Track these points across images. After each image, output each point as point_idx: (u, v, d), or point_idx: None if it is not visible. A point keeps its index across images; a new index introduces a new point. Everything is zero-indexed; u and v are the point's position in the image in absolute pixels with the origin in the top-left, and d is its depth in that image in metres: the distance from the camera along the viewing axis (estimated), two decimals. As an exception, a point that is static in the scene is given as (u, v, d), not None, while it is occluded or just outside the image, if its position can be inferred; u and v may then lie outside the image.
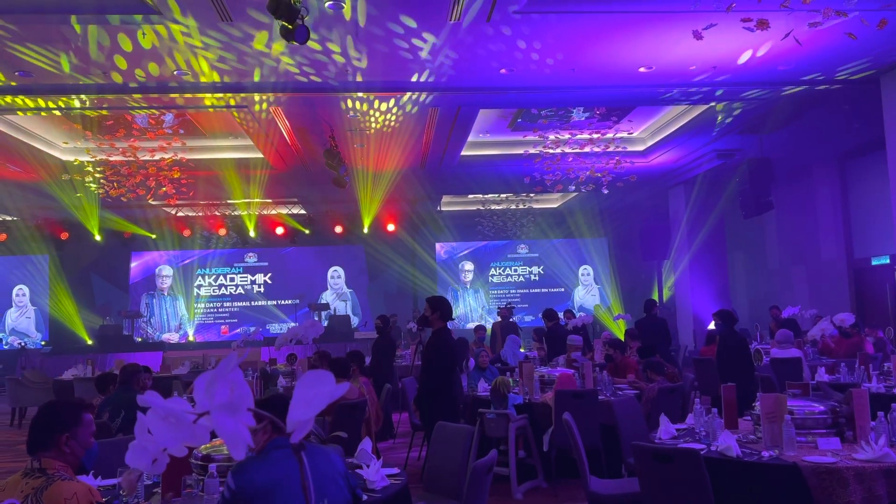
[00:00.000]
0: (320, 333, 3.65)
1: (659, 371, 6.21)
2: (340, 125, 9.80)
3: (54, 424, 2.45)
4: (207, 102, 8.75)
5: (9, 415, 11.41)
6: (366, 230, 15.73)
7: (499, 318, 12.11)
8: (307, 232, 16.88)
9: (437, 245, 18.33)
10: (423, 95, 8.62)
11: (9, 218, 15.68)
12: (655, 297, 16.01)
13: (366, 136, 10.47)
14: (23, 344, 16.94)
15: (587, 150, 10.98)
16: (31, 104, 8.67)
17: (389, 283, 17.77)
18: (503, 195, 15.48)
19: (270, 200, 15.37)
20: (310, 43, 6.49)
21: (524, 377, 6.46)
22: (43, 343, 16.97)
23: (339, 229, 16.68)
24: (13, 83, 7.89)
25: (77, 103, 8.71)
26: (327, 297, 17.78)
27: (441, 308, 5.40)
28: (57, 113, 9.31)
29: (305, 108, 9.10)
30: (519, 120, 10.66)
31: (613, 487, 4.28)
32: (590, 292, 18.53)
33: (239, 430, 0.96)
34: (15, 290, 17.42)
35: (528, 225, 17.14)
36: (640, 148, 12.09)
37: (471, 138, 11.07)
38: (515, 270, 18.72)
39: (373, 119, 9.65)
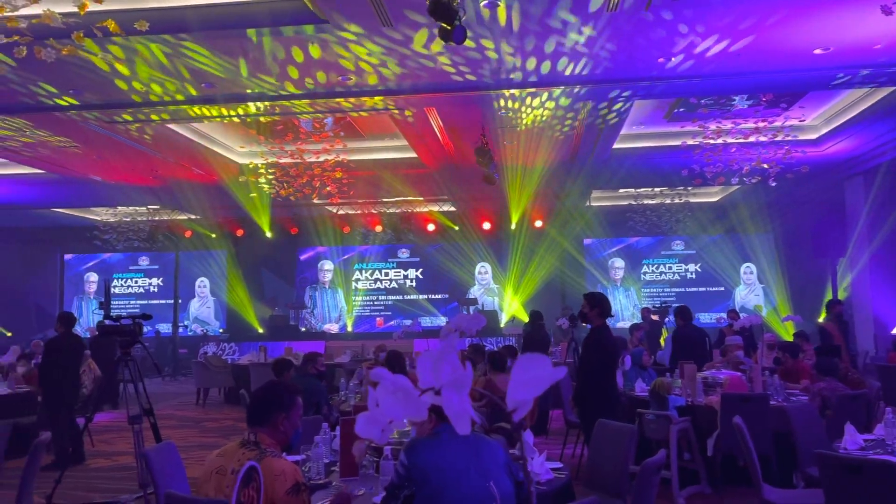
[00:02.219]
0: (482, 325, 3.73)
1: (830, 372, 5.70)
2: (492, 123, 9.91)
3: (274, 403, 2.68)
4: (368, 104, 9.19)
5: (194, 395, 12.68)
6: (513, 226, 15.79)
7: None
8: (456, 228, 17.25)
9: (586, 241, 18.02)
10: (577, 88, 8.51)
11: (193, 217, 17.38)
12: (829, 297, 14.71)
13: (516, 133, 10.52)
14: (205, 331, 18.76)
15: (752, 139, 10.31)
16: (213, 113, 9.55)
17: (536, 279, 17.71)
18: (657, 189, 14.91)
19: (422, 198, 15.85)
20: (465, 42, 6.62)
21: (686, 378, 6.21)
22: (221, 331, 18.66)
23: (487, 225, 16.88)
24: (198, 94, 8.72)
25: (253, 110, 9.49)
26: (475, 291, 18.05)
27: (600, 304, 5.32)
28: (235, 120, 10.19)
29: (458, 107, 9.29)
30: (676, 110, 10.23)
31: (791, 498, 4.01)
32: (753, 292, 17.39)
33: (465, 407, 1.02)
34: (197, 282, 19.30)
35: (685, 220, 16.35)
36: (813, 136, 11.16)
37: (624, 131, 10.77)
38: (670, 268, 17.97)
39: (524, 115, 9.67)
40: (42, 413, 7.59)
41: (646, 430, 5.65)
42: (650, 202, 15.77)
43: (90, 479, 6.77)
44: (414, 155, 11.88)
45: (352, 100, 8.83)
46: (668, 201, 15.61)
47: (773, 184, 11.06)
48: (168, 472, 3.62)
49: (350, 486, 3.19)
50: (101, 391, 8.32)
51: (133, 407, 5.64)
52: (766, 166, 10.57)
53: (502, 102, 9.02)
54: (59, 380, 7.23)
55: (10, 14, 5.19)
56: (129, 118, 9.46)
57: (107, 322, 5.66)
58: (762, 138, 10.24)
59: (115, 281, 19.44)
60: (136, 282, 19.58)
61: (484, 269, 18.30)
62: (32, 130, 9.91)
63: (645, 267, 18.02)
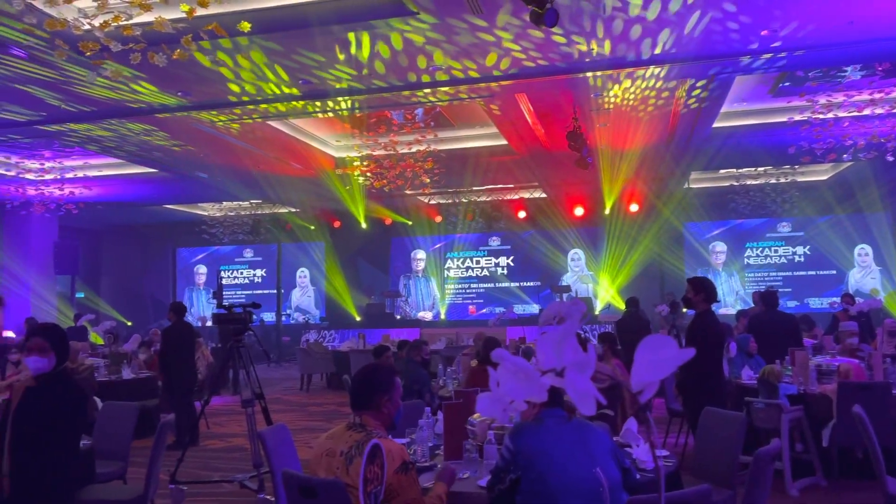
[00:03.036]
0: (584, 311, 3.67)
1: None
2: (584, 106, 9.73)
3: (375, 386, 2.77)
4: (459, 94, 9.23)
5: (298, 380, 13.23)
6: (607, 211, 15.47)
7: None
8: (548, 215, 17.09)
9: (685, 225, 17.40)
10: (674, 66, 8.21)
11: (293, 210, 18.07)
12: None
13: (610, 115, 10.28)
14: (306, 319, 19.51)
15: (867, 112, 9.64)
16: (310, 109, 9.86)
17: (633, 265, 17.29)
18: (761, 168, 14.19)
19: (513, 185, 15.78)
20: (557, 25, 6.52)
21: (797, 366, 5.91)
22: (321, 319, 19.33)
23: (579, 211, 16.62)
24: (297, 91, 9.03)
25: (346, 104, 9.73)
26: (568, 279, 17.83)
27: (706, 289, 5.14)
28: (330, 115, 10.49)
29: (549, 92, 9.18)
30: (782, 84, 9.69)
31: (919, 493, 3.75)
32: (868, 274, 16.29)
33: (589, 387, 1.03)
34: (298, 273, 20.07)
35: (792, 200, 15.48)
36: (937, 105, 10.30)
37: (725, 108, 10.31)
38: (776, 251, 17.09)
39: (618, 97, 9.44)
40: (163, 396, 8.13)
41: (754, 419, 5.43)
42: (753, 182, 15.03)
43: (207, 459, 7.20)
44: (504, 142, 11.84)
45: (442, 90, 8.88)
46: (773, 181, 14.83)
47: (892, 158, 10.30)
48: (282, 453, 3.80)
49: (459, 466, 3.25)
50: (214, 376, 8.81)
51: (245, 391, 5.95)
52: (882, 140, 9.86)
53: (598, 83, 8.83)
54: (177, 366, 7.73)
55: (125, 23, 5.56)
56: (233, 117, 9.92)
57: (220, 311, 6.00)
58: (878, 110, 9.56)
59: (223, 272, 20.50)
60: (242, 273, 20.57)
61: (577, 256, 18.04)
62: (149, 132, 10.57)
63: (749, 250, 17.22)
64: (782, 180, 14.72)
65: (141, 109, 9.36)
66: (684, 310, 5.38)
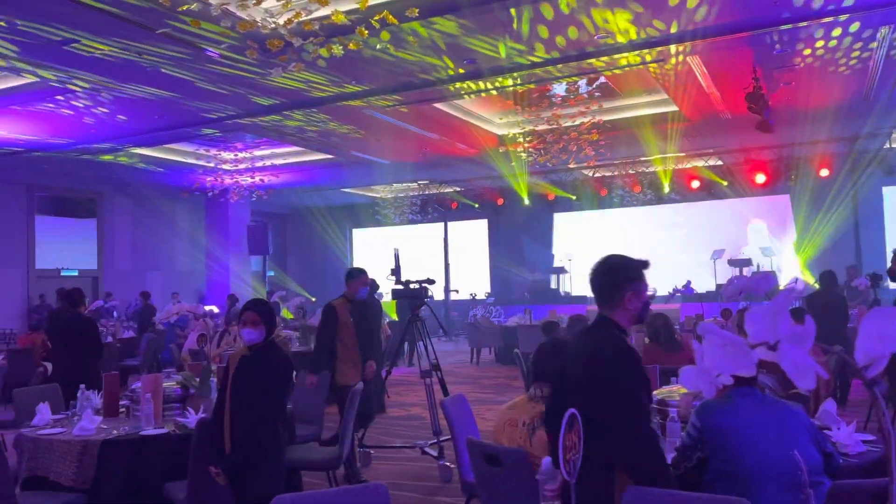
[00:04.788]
0: (773, 286, 3.44)
1: None
2: (766, 64, 8.99)
3: (558, 361, 2.82)
4: (623, 63, 8.91)
5: (468, 354, 13.62)
6: (793, 177, 14.23)
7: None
8: (724, 184, 16.04)
9: (885, 189, 15.56)
10: (876, 11, 7.33)
11: (458, 189, 18.51)
12: None
13: (795, 73, 9.41)
14: (472, 295, 19.96)
15: None
16: (474, 87, 10.00)
17: (822, 234, 15.79)
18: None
19: (684, 154, 14.99)
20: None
21: None
22: (487, 294, 19.69)
23: (760, 178, 15.41)
24: (462, 70, 9.18)
25: (510, 81, 9.75)
26: (748, 251, 16.66)
27: (917, 259, 4.60)
28: (494, 93, 10.56)
29: (726, 52, 8.58)
30: None
31: None
32: None
33: (808, 361, 0.98)
34: (464, 251, 20.54)
35: None
36: None
37: (938, 55, 9.04)
38: None
39: (806, 51, 8.60)
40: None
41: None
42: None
43: (389, 426, 7.67)
44: (675, 108, 11.27)
45: (606, 58, 8.62)
46: None
47: None
48: (462, 421, 3.96)
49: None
50: (392, 349, 9.30)
51: (424, 363, 6.24)
52: None
53: (777, 37, 8.12)
54: (367, 337, 8.24)
55: (305, 18, 5.96)
56: (402, 100, 10.31)
57: (398, 287, 6.32)
58: None
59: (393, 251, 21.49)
60: (411, 251, 21.44)
61: (758, 227, 16.79)
62: (326, 120, 11.31)
63: (969, 215, 15.08)
64: None
65: (321, 99, 9.99)
66: (889, 283, 4.84)
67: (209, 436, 3.44)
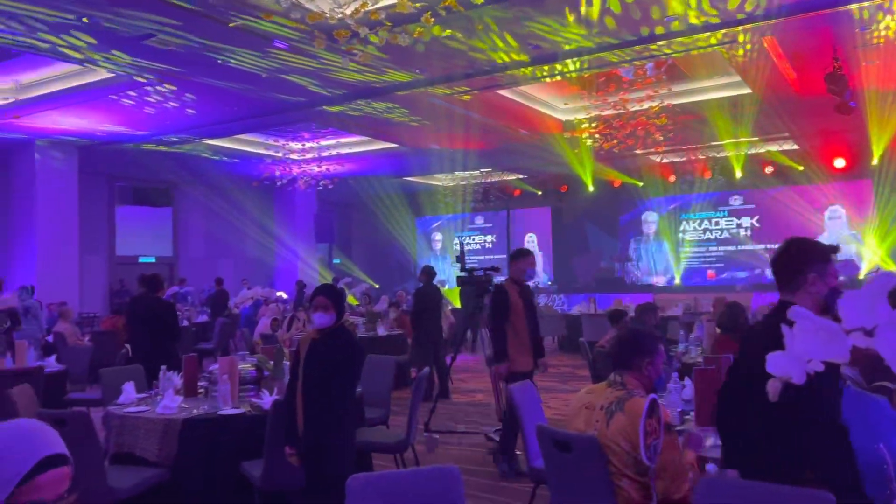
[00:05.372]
0: (854, 275, 3.30)
1: None
2: (847, 43, 8.56)
3: (641, 348, 2.80)
4: (695, 44, 8.65)
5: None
6: (875, 161, 13.53)
7: None
8: (800, 168, 15.40)
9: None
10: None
11: (521, 176, 18.40)
12: None
13: (879, 51, 8.93)
14: (535, 283, 19.87)
15: None
16: (539, 73, 9.90)
17: (909, 221, 14.98)
18: None
19: (758, 138, 14.45)
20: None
21: None
22: (549, 283, 19.56)
23: (840, 163, 14.73)
24: (526, 57, 9.09)
25: (573, 66, 9.60)
26: (825, 239, 15.96)
27: None
28: (558, 78, 10.42)
29: (804, 30, 8.21)
30: None
31: None
32: None
33: (908, 346, 0.95)
34: (526, 238, 20.42)
35: None
36: None
37: None
38: None
39: (890, 28, 8.15)
40: (413, 353, 8.85)
41: None
42: None
43: (453, 411, 7.73)
44: (748, 91, 10.87)
45: (677, 41, 8.39)
46: None
47: None
48: (529, 408, 3.97)
49: (707, 435, 3.15)
50: (457, 336, 9.38)
51: (489, 349, 6.26)
52: None
53: (864, 15, 7.72)
54: (426, 324, 8.36)
55: (371, 8, 6.03)
56: (465, 89, 10.30)
57: (462, 274, 6.36)
58: None
59: (458, 239, 21.56)
60: (474, 239, 21.46)
61: (836, 213, 16.07)
62: (393, 109, 11.41)
63: None
64: None
65: (386, 88, 10.08)
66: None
67: (283, 417, 3.56)
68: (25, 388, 4.49)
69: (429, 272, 8.62)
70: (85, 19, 7.26)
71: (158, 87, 9.84)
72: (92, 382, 7.50)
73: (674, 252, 18.00)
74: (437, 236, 22.22)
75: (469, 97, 10.79)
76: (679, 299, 13.51)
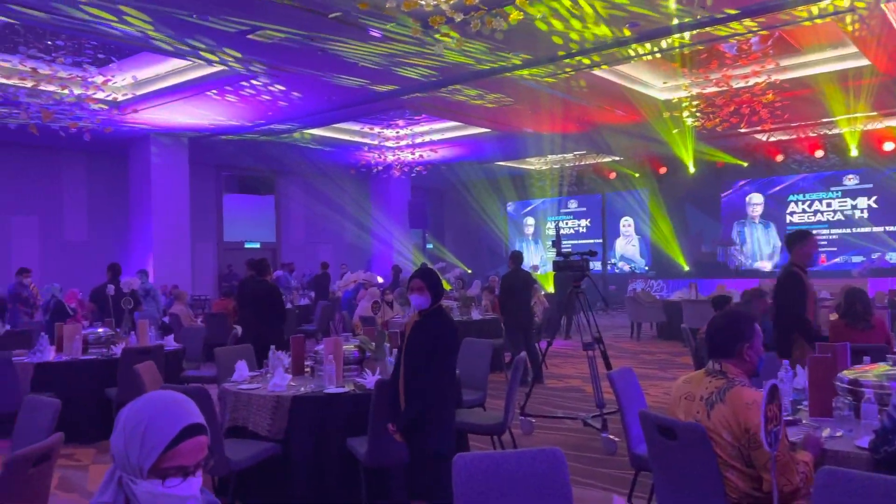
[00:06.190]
0: None
1: None
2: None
3: (737, 334, 2.68)
4: (811, 13, 8.14)
5: (627, 328, 13.29)
6: None
7: None
8: (925, 144, 14.26)
9: None
10: None
11: (617, 158, 17.95)
12: None
13: None
14: (631, 268, 19.42)
15: None
16: (640, 51, 9.60)
17: None
18: None
19: (876, 113, 13.46)
20: None
21: None
22: (646, 268, 19.05)
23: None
24: (627, 33, 8.82)
25: (677, 42, 9.25)
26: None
27: None
28: (657, 56, 10.08)
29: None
30: None
31: None
32: None
33: None
34: (622, 222, 19.97)
35: None
36: None
37: None
38: None
39: None
40: (506, 337, 8.87)
41: None
42: None
43: (548, 396, 7.71)
44: (866, 62, 10.15)
45: (795, 10, 7.92)
46: None
47: None
48: (629, 394, 3.91)
49: (822, 426, 3.00)
50: (552, 320, 9.32)
51: (586, 335, 6.20)
52: None
53: None
54: (515, 309, 8.35)
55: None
56: (559, 70, 10.14)
57: (559, 259, 6.30)
58: None
59: (550, 223, 21.33)
60: (567, 223, 21.18)
61: (966, 193, 14.78)
62: (483, 94, 11.40)
63: None
64: None
65: (480, 72, 10.07)
66: None
67: (387, 395, 3.67)
68: (150, 364, 4.84)
69: (517, 257, 8.59)
70: (195, 17, 7.66)
71: (262, 81, 10.26)
72: (205, 361, 7.99)
73: (781, 235, 17.11)
74: (529, 221, 22.08)
75: (564, 78, 10.62)
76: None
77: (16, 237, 13.95)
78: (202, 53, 9.04)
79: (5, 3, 7.20)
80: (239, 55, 9.06)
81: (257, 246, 17.76)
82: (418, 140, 14.56)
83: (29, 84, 8.78)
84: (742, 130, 13.82)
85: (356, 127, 14.23)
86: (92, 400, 6.09)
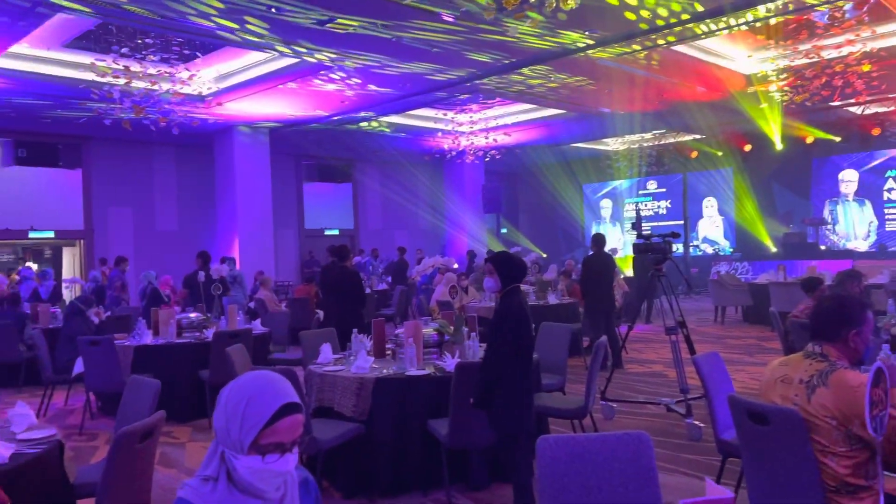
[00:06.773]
0: None
1: None
2: None
3: (844, 319, 2.54)
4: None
5: (711, 312, 12.88)
6: None
7: None
8: None
9: None
10: None
11: (698, 136, 17.33)
12: None
13: None
14: (715, 250, 18.77)
15: None
16: (721, 25, 9.20)
17: None
18: None
19: None
20: None
21: None
22: (731, 250, 18.37)
23: None
24: (701, 8, 8.46)
25: (762, 13, 8.81)
26: None
27: None
28: (743, 28, 9.63)
29: None
30: None
31: None
32: None
33: None
34: (705, 202, 19.30)
35: None
36: None
37: None
38: None
39: None
40: (585, 321, 8.76)
41: None
42: None
43: (629, 381, 7.59)
44: (978, 25, 9.39)
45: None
46: None
47: None
48: (715, 378, 3.80)
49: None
50: (632, 305, 9.13)
51: (668, 319, 6.06)
52: None
53: None
54: (597, 292, 8.22)
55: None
56: (637, 48, 9.85)
57: (639, 241, 6.17)
58: None
59: (629, 205, 20.84)
60: (646, 205, 20.65)
61: None
62: (555, 75, 11.22)
63: None
64: None
65: (553, 53, 9.91)
66: None
67: (468, 378, 3.72)
68: (240, 347, 5.05)
69: (599, 240, 8.44)
70: (273, 10, 7.85)
71: (337, 70, 10.43)
72: (290, 344, 8.27)
73: (879, 213, 16.14)
74: (606, 203, 21.66)
75: (643, 55, 10.31)
76: (885, 266, 12.14)
77: (112, 228, 14.78)
78: (277, 47, 9.26)
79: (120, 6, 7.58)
80: (315, 47, 9.24)
81: (336, 232, 18.18)
82: (492, 124, 14.49)
83: (122, 81, 9.24)
84: (834, 104, 13.08)
85: (430, 113, 14.29)
86: (186, 381, 6.41)
